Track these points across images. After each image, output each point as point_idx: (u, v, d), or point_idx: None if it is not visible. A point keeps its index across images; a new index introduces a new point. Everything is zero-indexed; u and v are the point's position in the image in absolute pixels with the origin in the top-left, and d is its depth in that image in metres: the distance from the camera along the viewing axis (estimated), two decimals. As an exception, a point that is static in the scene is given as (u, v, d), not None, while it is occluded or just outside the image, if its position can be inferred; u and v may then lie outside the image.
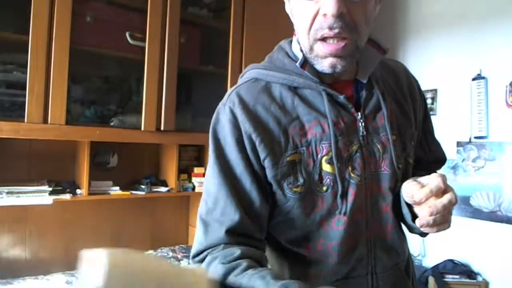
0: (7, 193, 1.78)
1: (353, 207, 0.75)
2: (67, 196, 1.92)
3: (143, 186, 2.18)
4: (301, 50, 0.76)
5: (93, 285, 0.32)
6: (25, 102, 1.71)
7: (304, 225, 0.75)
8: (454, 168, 2.59)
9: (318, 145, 0.74)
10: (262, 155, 0.73)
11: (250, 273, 0.63)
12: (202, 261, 0.72)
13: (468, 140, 2.55)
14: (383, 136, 0.79)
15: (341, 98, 0.76)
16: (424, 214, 0.68)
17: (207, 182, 0.77)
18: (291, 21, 0.79)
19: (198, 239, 0.75)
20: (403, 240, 0.84)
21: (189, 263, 0.77)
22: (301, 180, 0.73)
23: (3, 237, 2.01)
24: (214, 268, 0.68)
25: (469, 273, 2.46)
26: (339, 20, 0.67)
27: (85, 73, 2.06)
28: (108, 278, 0.33)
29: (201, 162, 2.56)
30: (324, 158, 0.74)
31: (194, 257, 0.75)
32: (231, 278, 0.65)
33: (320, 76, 0.77)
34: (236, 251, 0.68)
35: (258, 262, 0.69)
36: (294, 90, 0.77)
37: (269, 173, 0.74)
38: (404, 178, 0.79)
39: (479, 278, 2.45)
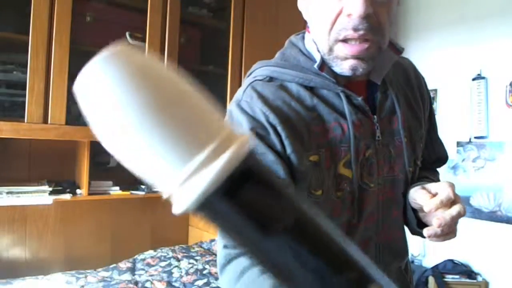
0: (7, 193, 1.78)
1: (366, 213, 0.73)
2: (67, 196, 1.92)
3: (143, 186, 2.18)
4: (318, 50, 0.72)
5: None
6: (25, 102, 1.71)
7: None
8: (454, 168, 2.59)
9: (338, 147, 0.70)
10: (288, 150, 0.67)
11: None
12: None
13: (468, 140, 2.55)
14: (397, 140, 0.77)
15: (359, 100, 0.72)
16: (432, 225, 0.66)
17: None
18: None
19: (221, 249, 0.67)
20: (407, 243, 0.84)
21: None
22: (320, 183, 0.69)
23: (3, 237, 2.01)
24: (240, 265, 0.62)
25: (469, 273, 2.46)
26: (365, 22, 0.63)
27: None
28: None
29: (201, 162, 2.56)
30: (342, 162, 0.71)
31: (223, 267, 0.66)
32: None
33: (335, 76, 0.73)
34: None
35: None
36: (311, 90, 0.73)
37: (294, 171, 0.67)
38: (412, 181, 0.78)
39: (479, 278, 2.45)
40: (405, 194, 0.78)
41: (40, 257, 2.10)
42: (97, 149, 2.16)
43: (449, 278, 2.44)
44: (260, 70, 0.76)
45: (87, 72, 0.23)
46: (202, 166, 0.21)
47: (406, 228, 0.85)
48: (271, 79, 0.73)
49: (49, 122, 1.76)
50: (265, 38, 2.35)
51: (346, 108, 0.71)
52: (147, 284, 1.89)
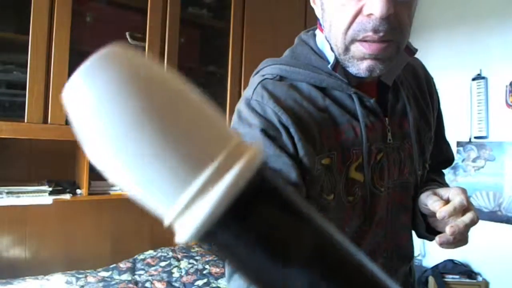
0: (7, 193, 1.78)
1: (377, 218, 0.71)
2: (67, 196, 1.92)
3: (143, 186, 2.18)
4: (332, 50, 0.68)
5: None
6: (25, 102, 1.71)
7: None
8: (454, 168, 2.59)
9: (349, 151, 0.68)
10: (300, 152, 0.64)
11: None
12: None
13: (468, 140, 2.55)
14: (407, 143, 0.75)
15: (371, 102, 0.70)
16: (444, 232, 0.65)
17: None
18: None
19: None
20: (413, 246, 0.82)
21: None
22: (333, 188, 0.67)
23: (3, 237, 2.01)
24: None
25: (469, 273, 2.46)
26: (386, 23, 0.60)
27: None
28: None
29: (201, 162, 2.56)
30: (353, 165, 0.68)
31: (231, 275, 0.63)
32: None
33: (346, 76, 0.70)
34: None
35: None
36: (322, 90, 0.70)
37: (306, 174, 0.65)
38: (420, 184, 0.77)
39: (479, 278, 2.45)
40: (414, 198, 0.76)
41: (40, 257, 2.09)
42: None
43: (449, 278, 2.44)
44: (269, 68, 0.73)
45: (72, 84, 0.21)
46: (205, 189, 0.18)
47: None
48: (281, 78, 0.70)
49: (49, 122, 1.76)
50: (265, 38, 2.35)
51: (358, 110, 0.69)
52: (147, 284, 1.89)
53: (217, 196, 0.18)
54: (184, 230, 0.20)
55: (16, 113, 1.75)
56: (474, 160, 2.53)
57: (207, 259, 2.18)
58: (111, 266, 2.10)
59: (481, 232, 2.55)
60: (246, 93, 0.70)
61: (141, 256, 2.22)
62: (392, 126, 0.73)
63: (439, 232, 0.68)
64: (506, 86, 2.40)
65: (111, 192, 2.10)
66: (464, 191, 0.67)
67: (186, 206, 0.19)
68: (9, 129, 1.67)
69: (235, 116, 0.69)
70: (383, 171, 0.71)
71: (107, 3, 2.02)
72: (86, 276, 1.92)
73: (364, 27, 0.61)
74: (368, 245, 0.72)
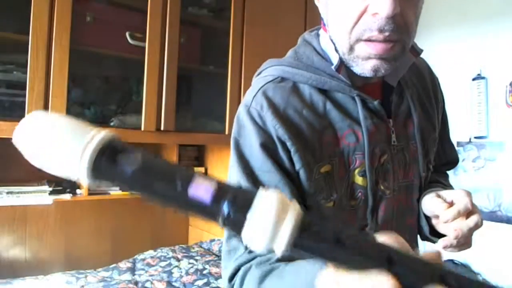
0: (7, 193, 1.78)
1: (382, 221, 0.70)
2: (67, 196, 1.92)
3: (143, 186, 2.18)
4: (336, 50, 0.67)
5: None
6: (25, 102, 1.71)
7: None
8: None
9: (351, 156, 0.67)
10: (297, 165, 0.65)
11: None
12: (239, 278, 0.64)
13: (468, 140, 2.55)
14: (412, 145, 0.74)
15: (375, 104, 0.69)
16: (448, 235, 0.64)
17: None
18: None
19: (227, 260, 0.66)
20: (419, 248, 0.82)
21: None
22: (334, 195, 0.66)
23: (3, 237, 2.01)
24: (250, 276, 0.60)
25: (469, 273, 2.46)
26: (392, 22, 0.59)
27: (85, 73, 2.06)
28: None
29: (201, 162, 2.56)
30: (356, 170, 0.68)
31: (231, 278, 0.65)
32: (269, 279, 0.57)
33: (350, 77, 0.69)
34: (274, 256, 0.60)
35: None
36: (324, 92, 0.69)
37: (302, 186, 0.65)
38: (424, 185, 0.76)
39: (479, 278, 2.45)
40: (419, 200, 0.76)
41: (40, 257, 2.10)
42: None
43: (449, 278, 2.44)
44: (271, 69, 0.72)
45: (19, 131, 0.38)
46: (87, 145, 0.32)
47: None
48: (282, 79, 0.70)
49: (49, 122, 1.76)
50: (265, 38, 2.35)
51: (361, 113, 0.68)
52: (147, 284, 1.89)
53: (92, 145, 0.32)
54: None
55: (16, 113, 1.75)
56: (474, 160, 2.53)
57: (207, 259, 2.18)
58: (111, 266, 2.10)
59: (481, 232, 2.55)
60: (247, 97, 0.71)
61: (141, 256, 2.22)
62: (396, 127, 0.72)
63: (443, 235, 0.68)
64: (506, 86, 2.40)
65: (111, 192, 2.10)
66: (468, 193, 0.66)
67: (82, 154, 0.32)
68: (9, 129, 1.67)
69: (235, 120, 0.70)
70: (387, 174, 0.71)
71: (107, 3, 2.02)
72: (86, 276, 1.92)
73: (370, 26, 0.60)
74: None
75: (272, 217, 0.31)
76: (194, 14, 2.29)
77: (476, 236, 0.69)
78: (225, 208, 0.31)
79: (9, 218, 2.02)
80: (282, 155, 0.64)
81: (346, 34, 0.62)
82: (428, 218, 0.74)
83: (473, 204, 0.65)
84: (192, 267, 2.08)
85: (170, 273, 2.02)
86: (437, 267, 0.34)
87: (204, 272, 2.03)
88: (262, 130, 0.65)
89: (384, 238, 0.38)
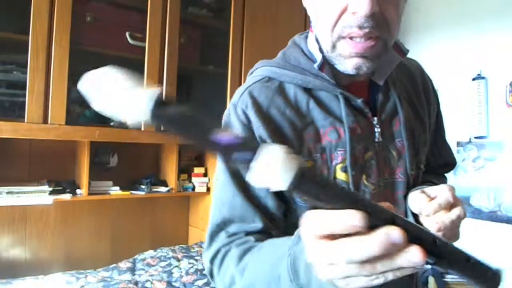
0: (7, 193, 1.78)
1: None
2: (67, 196, 1.92)
3: (143, 186, 2.18)
4: (320, 50, 0.70)
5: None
6: (25, 102, 1.71)
7: None
8: (452, 170, 2.59)
9: (333, 152, 0.70)
10: None
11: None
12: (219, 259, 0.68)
13: (468, 140, 2.55)
14: (398, 142, 0.75)
15: (358, 102, 0.71)
16: (431, 230, 0.64)
17: (219, 190, 0.71)
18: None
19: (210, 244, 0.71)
20: None
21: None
22: None
23: (3, 237, 2.01)
24: (230, 255, 0.65)
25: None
26: (371, 19, 0.61)
27: (85, 73, 2.06)
28: None
29: (201, 162, 2.56)
30: (338, 166, 0.70)
31: (212, 260, 0.69)
32: (247, 257, 0.61)
33: (336, 75, 0.71)
34: (252, 238, 0.65)
35: None
36: (309, 91, 0.72)
37: None
38: (414, 185, 0.77)
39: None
40: (406, 197, 0.76)
41: (40, 257, 2.10)
42: (97, 149, 2.16)
43: (449, 278, 2.44)
44: (260, 69, 0.76)
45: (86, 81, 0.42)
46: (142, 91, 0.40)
47: None
48: (269, 79, 0.74)
49: (49, 122, 1.76)
50: (265, 38, 2.35)
51: (343, 111, 0.70)
52: (147, 284, 1.89)
53: (147, 93, 0.40)
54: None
55: (16, 113, 1.75)
56: (474, 160, 2.53)
57: (207, 259, 2.18)
58: (111, 266, 2.10)
59: (481, 232, 2.56)
60: (235, 96, 0.75)
61: (141, 256, 2.22)
62: (381, 125, 0.74)
63: None
64: (506, 86, 2.40)
65: (111, 192, 2.10)
66: (451, 187, 0.66)
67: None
68: (9, 129, 1.67)
69: (223, 118, 0.74)
70: (371, 170, 0.72)
71: (107, 3, 2.02)
72: (86, 276, 1.92)
73: (349, 24, 0.62)
74: None
75: (282, 152, 0.37)
76: (194, 14, 2.29)
77: (476, 236, 0.69)
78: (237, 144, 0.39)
79: (9, 218, 2.02)
80: None
81: (328, 32, 0.65)
82: (416, 216, 0.74)
83: (455, 197, 0.65)
84: (192, 267, 2.08)
85: (170, 273, 2.02)
86: (392, 213, 0.39)
87: (204, 272, 2.03)
88: (247, 128, 0.69)
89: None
